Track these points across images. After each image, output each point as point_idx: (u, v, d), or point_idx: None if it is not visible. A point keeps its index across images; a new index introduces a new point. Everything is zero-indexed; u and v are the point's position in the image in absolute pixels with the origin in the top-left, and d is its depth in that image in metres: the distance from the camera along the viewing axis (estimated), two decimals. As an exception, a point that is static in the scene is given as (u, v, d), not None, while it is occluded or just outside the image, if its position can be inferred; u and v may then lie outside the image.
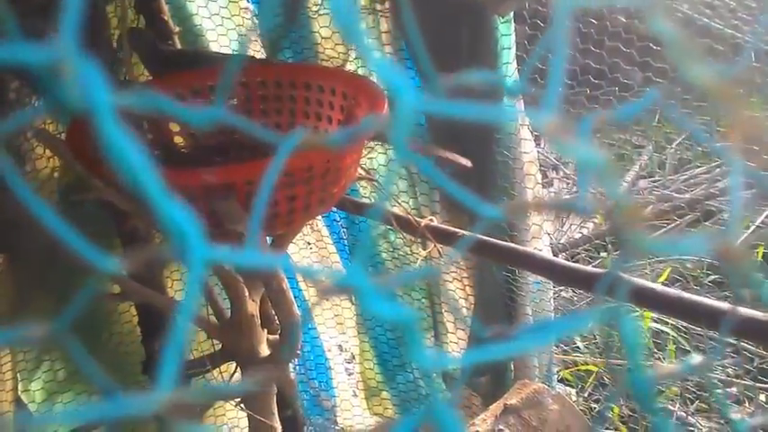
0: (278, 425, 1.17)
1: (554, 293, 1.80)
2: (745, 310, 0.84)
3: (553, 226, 2.62)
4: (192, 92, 1.17)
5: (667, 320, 2.11)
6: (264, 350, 1.13)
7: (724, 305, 0.94)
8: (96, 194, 0.96)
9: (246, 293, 1.10)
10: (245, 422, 1.44)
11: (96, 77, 0.17)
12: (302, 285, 1.68)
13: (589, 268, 1.16)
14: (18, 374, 1.40)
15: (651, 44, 1.95)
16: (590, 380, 2.05)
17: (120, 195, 0.95)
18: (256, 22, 1.53)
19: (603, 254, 2.56)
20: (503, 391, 1.58)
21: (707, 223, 2.52)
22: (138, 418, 0.21)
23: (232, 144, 1.15)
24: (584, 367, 2.08)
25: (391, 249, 1.69)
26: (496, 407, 1.44)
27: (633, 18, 2.15)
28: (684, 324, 2.08)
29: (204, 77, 1.18)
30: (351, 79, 1.19)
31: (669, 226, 2.61)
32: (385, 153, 1.57)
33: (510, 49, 1.43)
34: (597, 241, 2.62)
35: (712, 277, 2.35)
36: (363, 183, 1.51)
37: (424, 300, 1.73)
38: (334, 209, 1.52)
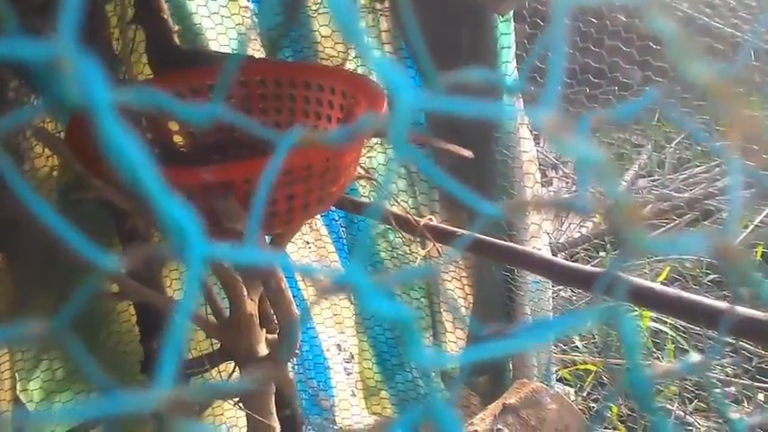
0: (276, 424, 1.17)
1: (553, 293, 1.80)
2: (743, 310, 0.84)
3: (552, 225, 2.62)
4: (191, 90, 1.17)
5: (666, 320, 2.11)
6: (263, 349, 1.13)
7: (723, 304, 0.94)
8: (95, 193, 0.95)
9: (245, 293, 1.10)
10: (243, 421, 1.44)
11: (95, 74, 0.17)
12: (301, 285, 1.68)
13: (588, 268, 1.16)
14: (16, 374, 1.40)
15: (651, 43, 1.95)
16: (589, 379, 2.05)
17: (119, 194, 0.95)
18: (256, 20, 1.53)
19: (602, 253, 2.56)
20: (501, 391, 1.58)
21: (706, 222, 2.53)
22: (136, 416, 0.21)
23: (231, 142, 1.15)
24: (582, 366, 2.08)
25: (390, 248, 1.69)
26: (495, 406, 1.44)
27: (633, 17, 2.15)
28: (683, 323, 2.08)
29: (204, 76, 1.18)
30: (350, 78, 1.19)
31: (668, 225, 2.61)
32: (384, 152, 1.57)
33: (509, 47, 1.43)
34: (596, 241, 2.62)
35: (711, 276, 2.35)
36: (362, 182, 1.51)
37: (422, 299, 1.73)
38: (333, 208, 1.52)
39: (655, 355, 2.09)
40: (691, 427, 1.87)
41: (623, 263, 0.28)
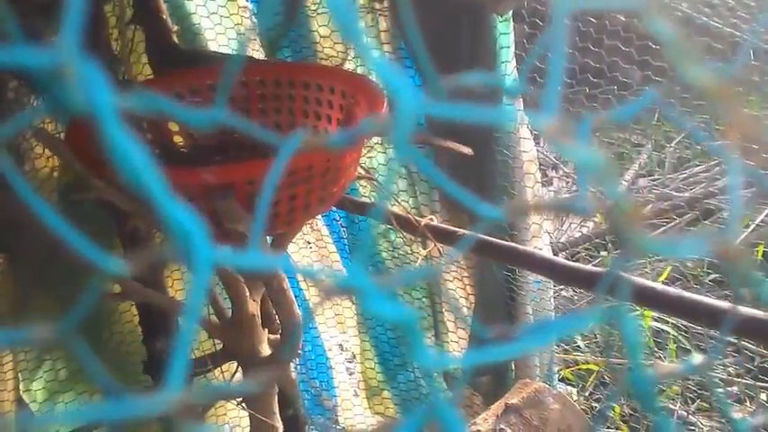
0: (279, 424, 1.17)
1: (554, 292, 1.80)
2: (745, 309, 0.84)
3: (553, 225, 2.62)
4: (190, 90, 1.17)
5: (668, 319, 2.11)
6: (265, 350, 1.13)
7: (724, 304, 0.94)
8: (96, 194, 0.96)
9: (247, 293, 1.10)
10: (246, 421, 1.44)
11: (99, 80, 0.17)
12: (303, 285, 1.68)
13: (589, 267, 1.17)
14: (19, 374, 1.40)
15: (650, 43, 1.95)
16: (591, 379, 2.05)
17: (120, 195, 0.95)
18: (255, 20, 1.53)
19: (603, 253, 2.56)
20: (504, 391, 1.58)
21: (706, 222, 2.52)
22: (142, 418, 0.21)
23: (231, 143, 1.15)
24: (585, 366, 2.08)
25: (391, 248, 1.69)
26: (498, 406, 1.45)
27: (632, 17, 2.15)
28: (685, 323, 2.08)
29: (203, 76, 1.18)
30: (350, 78, 1.19)
31: (668, 225, 2.61)
32: (384, 152, 1.57)
33: (509, 47, 1.43)
34: (597, 240, 2.62)
35: (713, 276, 2.35)
36: (363, 182, 1.51)
37: (424, 299, 1.73)
38: (334, 208, 1.52)
39: (657, 355, 2.09)
40: (693, 427, 1.87)
41: (625, 263, 0.28)
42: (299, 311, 1.05)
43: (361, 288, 0.22)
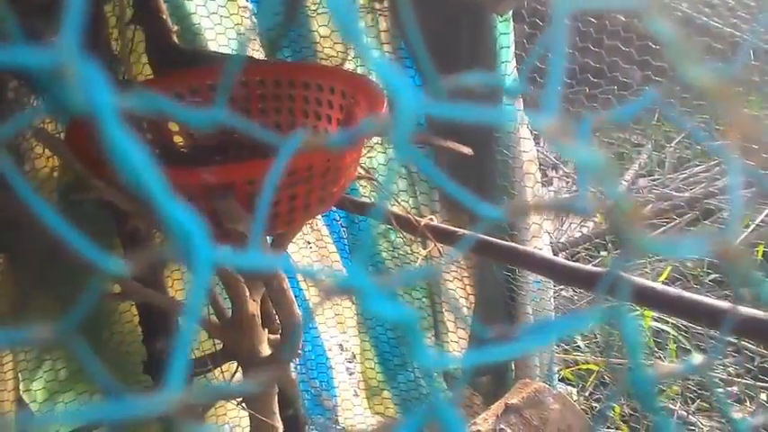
0: (279, 424, 1.17)
1: (554, 292, 1.80)
2: (745, 309, 0.84)
3: (553, 225, 2.62)
4: (190, 91, 1.17)
5: (668, 319, 2.11)
6: (265, 350, 1.13)
7: (724, 304, 0.94)
8: (96, 194, 0.96)
9: (247, 293, 1.10)
10: (246, 421, 1.44)
11: (99, 80, 0.17)
12: (303, 285, 1.68)
13: (589, 267, 1.17)
14: (19, 374, 1.40)
15: (650, 43, 1.95)
16: (591, 379, 2.05)
17: (120, 195, 0.95)
18: (255, 20, 1.53)
19: (603, 253, 2.56)
20: (504, 391, 1.58)
21: (706, 222, 2.52)
22: (142, 418, 0.21)
23: (231, 143, 1.15)
24: (584, 366, 2.08)
25: (391, 248, 1.69)
26: (498, 406, 1.45)
27: (632, 17, 2.15)
28: (685, 323, 2.08)
29: (203, 76, 1.18)
30: (350, 78, 1.19)
31: (668, 225, 2.61)
32: (384, 152, 1.57)
33: (509, 47, 1.43)
34: (597, 240, 2.62)
35: (713, 276, 2.35)
36: (363, 182, 1.51)
37: (424, 299, 1.73)
38: (334, 208, 1.52)
39: (657, 355, 2.09)
40: (693, 427, 1.87)
41: (625, 263, 0.28)
42: (299, 311, 1.05)
43: (361, 288, 0.22)
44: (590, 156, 0.23)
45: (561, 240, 2.62)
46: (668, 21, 0.25)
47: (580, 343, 2.14)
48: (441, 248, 1.24)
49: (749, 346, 2.05)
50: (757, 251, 2.25)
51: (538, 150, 1.79)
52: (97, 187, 0.95)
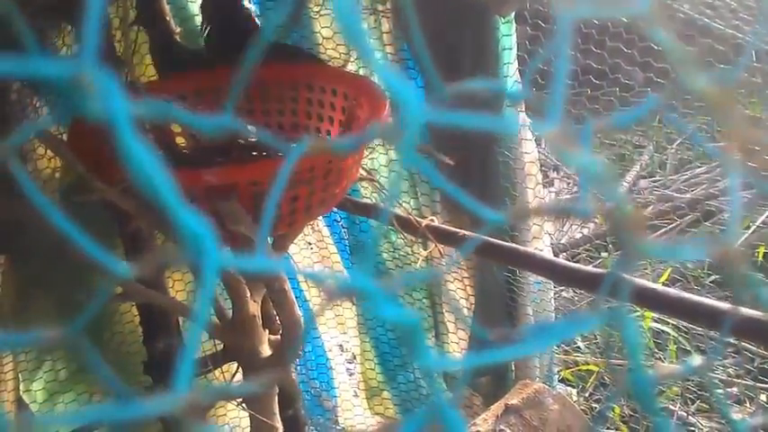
0: (279, 424, 1.17)
1: (555, 294, 1.80)
2: (745, 311, 0.84)
3: (554, 226, 2.62)
4: (194, 92, 1.17)
5: (668, 320, 2.11)
6: (266, 350, 1.14)
7: (724, 305, 0.94)
8: (98, 195, 0.96)
9: (248, 294, 1.10)
10: (246, 422, 1.44)
11: (115, 89, 0.18)
12: (303, 286, 1.68)
13: (590, 268, 1.17)
14: (19, 374, 1.40)
15: (652, 44, 1.95)
16: (591, 380, 2.05)
17: (122, 196, 0.96)
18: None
19: (604, 254, 2.56)
20: (504, 391, 1.58)
21: (707, 223, 2.52)
22: (143, 418, 0.21)
23: (234, 144, 1.16)
24: (585, 367, 2.08)
25: (392, 249, 1.69)
26: (497, 407, 1.45)
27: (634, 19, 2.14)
28: (685, 324, 2.08)
29: (206, 78, 1.18)
30: (352, 80, 1.19)
31: (669, 226, 2.61)
32: (386, 153, 1.57)
33: (511, 49, 1.43)
34: (598, 241, 2.62)
35: (713, 277, 2.35)
36: (364, 183, 1.51)
37: (425, 300, 1.74)
38: (335, 209, 1.52)
39: (657, 356, 2.09)
40: (693, 428, 1.87)
41: (626, 267, 0.28)
42: (299, 312, 1.05)
43: (364, 290, 0.22)
44: (592, 163, 0.23)
45: (562, 241, 2.63)
46: (670, 24, 0.25)
47: (580, 344, 2.14)
48: (442, 250, 1.25)
49: (749, 347, 2.05)
50: (758, 253, 2.25)
51: (539, 152, 1.79)
52: (99, 189, 0.95)
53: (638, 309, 1.89)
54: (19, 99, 1.24)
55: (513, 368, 1.71)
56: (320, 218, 1.67)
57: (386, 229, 1.63)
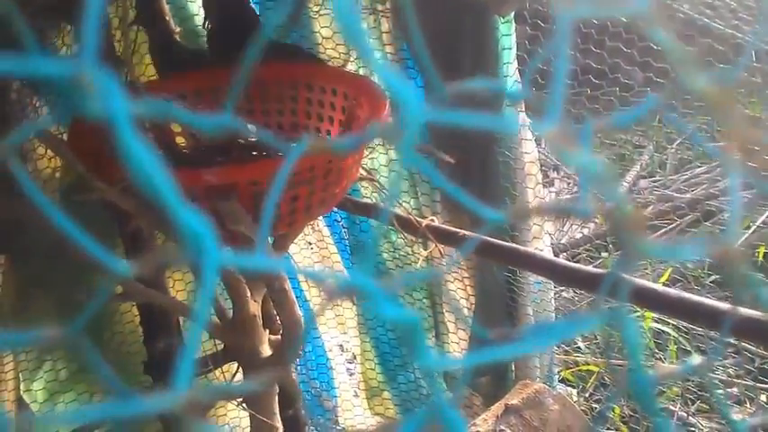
0: (279, 424, 1.18)
1: (555, 294, 1.80)
2: (745, 311, 0.84)
3: (554, 226, 2.62)
4: (194, 92, 1.17)
5: (668, 321, 2.11)
6: (266, 350, 1.14)
7: (725, 305, 0.94)
8: (98, 195, 0.96)
9: (248, 293, 1.10)
10: (246, 422, 1.44)
11: (115, 89, 0.18)
12: (304, 286, 1.68)
13: (590, 268, 1.17)
14: (20, 374, 1.40)
15: (652, 44, 1.95)
16: (591, 380, 2.05)
17: (122, 196, 0.96)
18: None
19: (604, 254, 2.56)
20: (504, 392, 1.58)
21: (707, 223, 2.52)
22: (143, 417, 0.21)
23: (234, 144, 1.16)
24: (585, 367, 2.08)
25: (392, 249, 1.69)
26: (498, 407, 1.45)
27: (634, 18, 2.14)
28: (685, 324, 2.08)
29: (206, 78, 1.18)
30: (352, 80, 1.19)
31: (669, 226, 2.61)
32: (386, 153, 1.57)
33: (511, 49, 1.43)
34: (598, 241, 2.62)
35: (713, 277, 2.35)
36: (364, 183, 1.51)
37: (425, 300, 1.74)
38: (336, 209, 1.52)
39: (657, 356, 2.09)
40: (693, 429, 1.87)
41: (626, 267, 0.28)
42: (300, 312, 1.05)
43: (365, 290, 0.22)
44: (591, 163, 0.24)
45: (562, 241, 2.63)
46: (669, 24, 0.25)
47: (580, 344, 2.14)
48: (442, 250, 1.25)
49: (749, 347, 2.05)
50: (758, 253, 2.25)
51: (539, 151, 1.79)
52: (99, 188, 0.95)
53: (639, 309, 1.89)
54: (19, 99, 1.24)
55: (514, 368, 1.71)
56: (320, 218, 1.67)
57: (386, 229, 1.63)
